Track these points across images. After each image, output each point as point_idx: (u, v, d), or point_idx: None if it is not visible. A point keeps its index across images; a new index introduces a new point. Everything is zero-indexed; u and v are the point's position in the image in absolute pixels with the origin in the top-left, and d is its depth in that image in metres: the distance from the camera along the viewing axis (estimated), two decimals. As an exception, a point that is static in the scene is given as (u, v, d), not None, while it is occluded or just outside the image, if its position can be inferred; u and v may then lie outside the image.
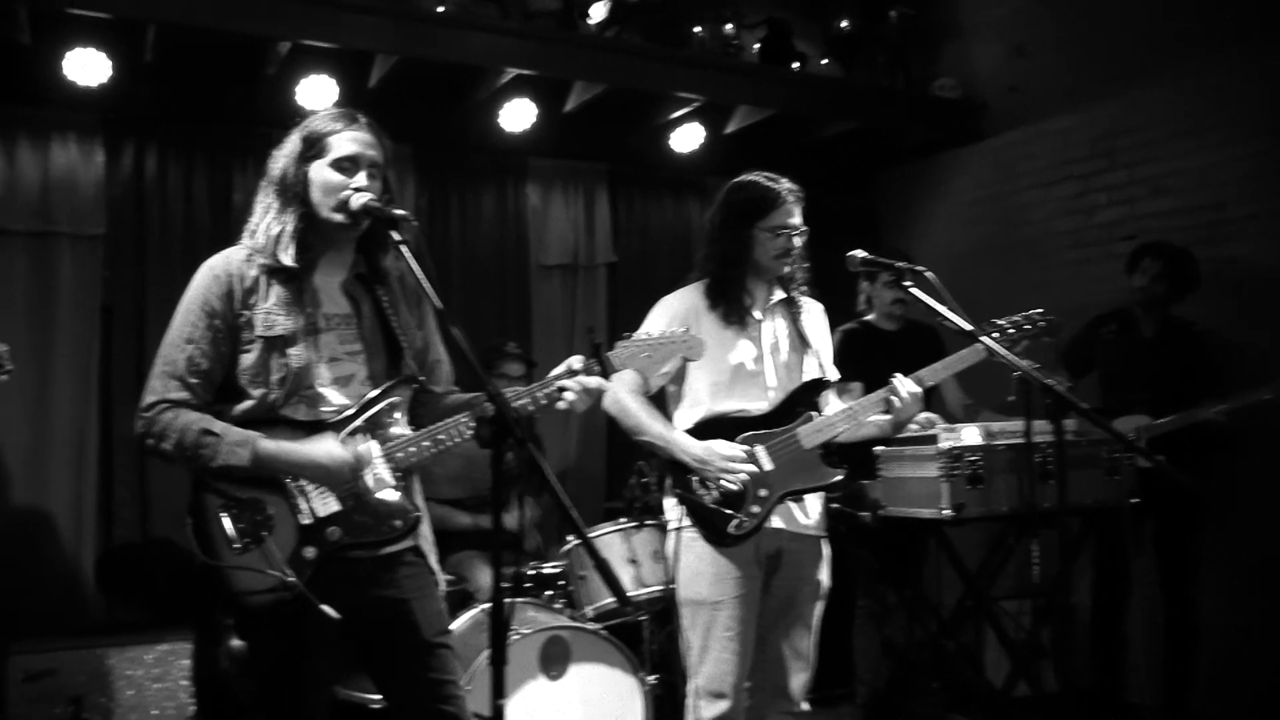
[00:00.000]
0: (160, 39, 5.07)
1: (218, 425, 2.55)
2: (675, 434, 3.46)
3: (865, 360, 4.45)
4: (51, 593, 5.24)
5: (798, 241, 3.54)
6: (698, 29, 6.15)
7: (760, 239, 3.51)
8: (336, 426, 2.63)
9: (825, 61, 6.76)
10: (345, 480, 2.55)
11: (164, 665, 4.71)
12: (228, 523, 2.53)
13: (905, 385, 3.45)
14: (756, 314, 3.59)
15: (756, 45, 6.45)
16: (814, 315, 3.75)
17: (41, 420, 5.30)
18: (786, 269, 3.57)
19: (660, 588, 4.56)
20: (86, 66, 5.04)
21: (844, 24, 6.74)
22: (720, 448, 3.37)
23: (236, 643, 4.42)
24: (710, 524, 3.39)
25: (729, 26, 6.25)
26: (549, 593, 4.68)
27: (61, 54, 5.00)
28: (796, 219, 3.53)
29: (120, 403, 5.41)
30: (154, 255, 5.54)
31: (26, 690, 4.50)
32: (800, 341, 3.66)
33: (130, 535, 5.44)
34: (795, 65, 6.46)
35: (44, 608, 5.17)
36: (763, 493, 3.39)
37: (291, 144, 2.70)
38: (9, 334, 5.11)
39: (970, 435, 4.32)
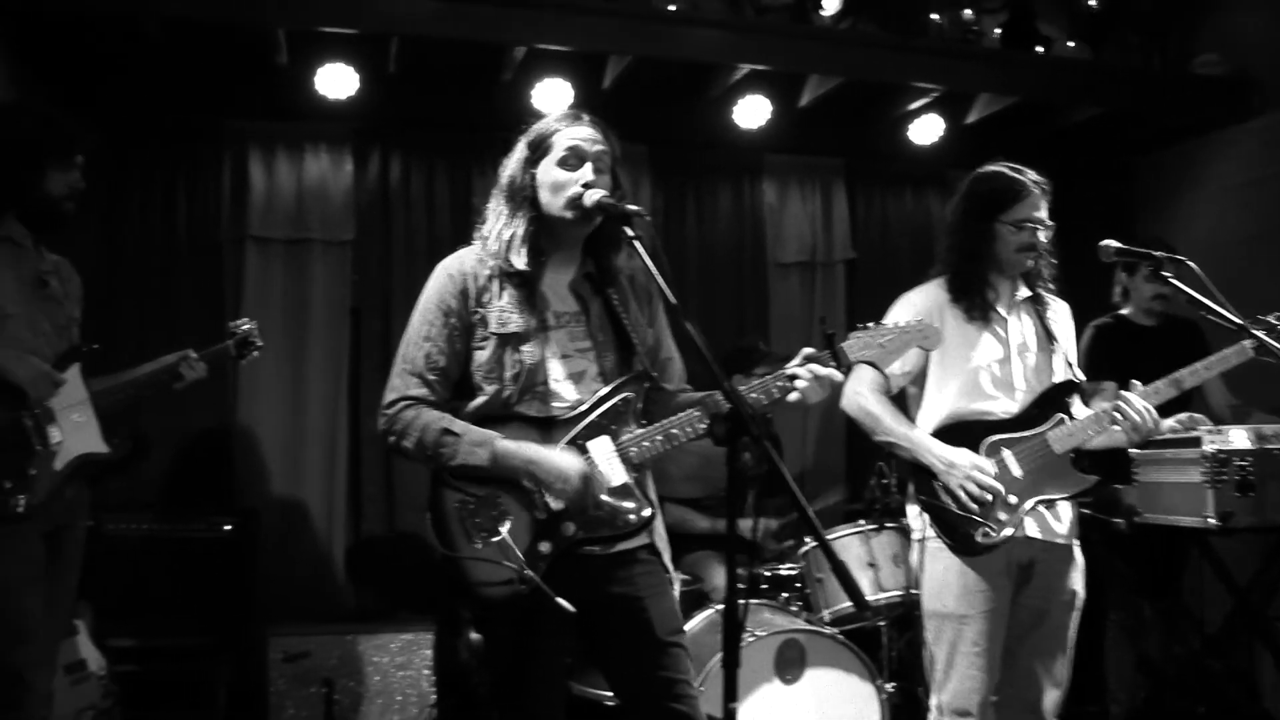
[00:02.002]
0: (402, 50, 5.27)
1: (458, 425, 2.60)
2: (920, 435, 3.33)
3: (1120, 358, 4.21)
4: (306, 580, 5.53)
5: (1042, 236, 3.36)
6: (935, 16, 5.95)
7: (1002, 233, 3.35)
8: (569, 423, 2.64)
9: (1072, 44, 6.41)
10: (576, 489, 2.55)
11: (408, 654, 4.89)
12: (465, 517, 2.58)
13: (1134, 403, 3.22)
14: (1002, 311, 3.43)
15: (997, 30, 6.17)
16: (1061, 314, 3.56)
17: (297, 417, 5.60)
18: (1030, 264, 3.40)
19: (900, 593, 4.44)
20: (336, 80, 5.31)
21: (1092, 2, 6.38)
22: (967, 457, 3.23)
23: (475, 635, 4.53)
24: (956, 532, 3.25)
25: (968, 12, 6.03)
26: (785, 595, 4.61)
27: (314, 70, 5.28)
28: (1041, 212, 3.36)
29: (368, 401, 5.66)
30: (399, 259, 5.78)
31: (284, 669, 4.77)
32: (1048, 340, 3.47)
33: (377, 528, 5.70)
34: (1039, 49, 6.16)
35: (299, 594, 5.47)
36: (1012, 499, 3.22)
37: (518, 150, 2.75)
38: (267, 335, 5.43)
39: (1239, 438, 4.01)
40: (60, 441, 3.17)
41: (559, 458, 2.57)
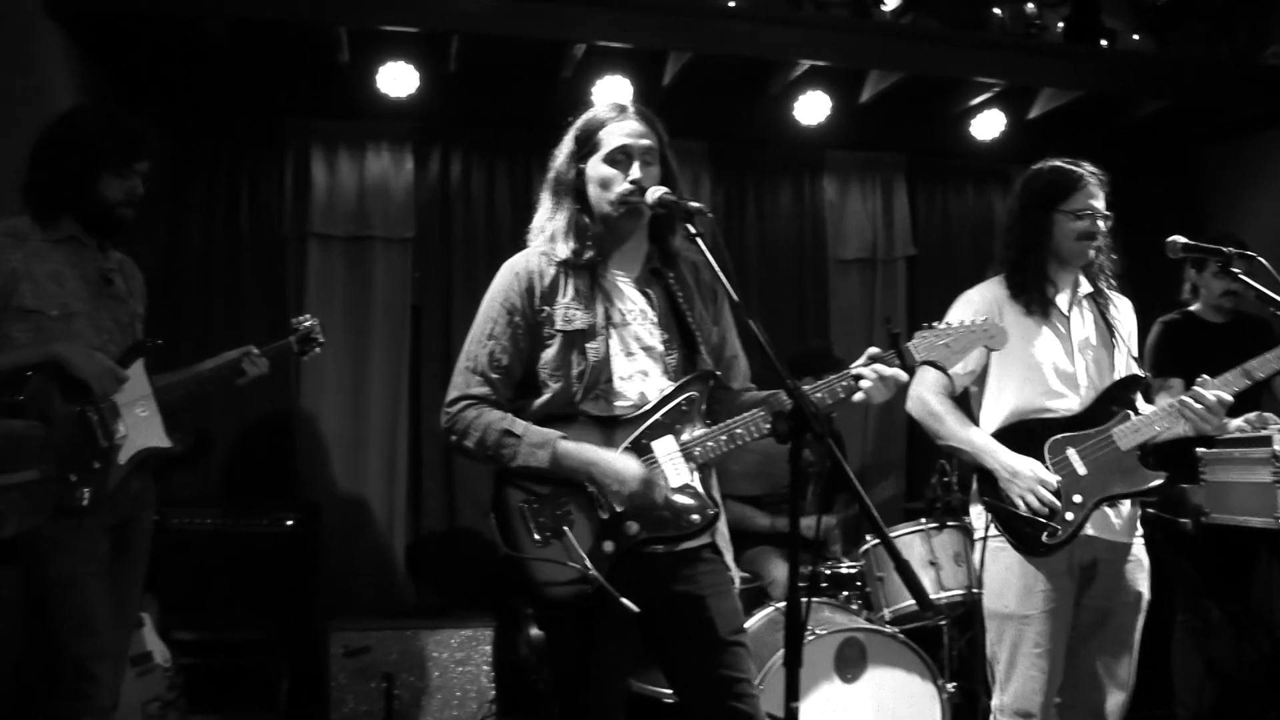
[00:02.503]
0: (463, 48, 5.30)
1: (519, 426, 2.60)
2: (984, 440, 3.29)
3: (1187, 354, 4.13)
4: (366, 575, 5.59)
5: (1101, 225, 3.32)
6: (997, 10, 5.87)
7: (1060, 223, 3.32)
8: (633, 422, 2.63)
9: (1137, 36, 6.30)
10: (634, 491, 2.53)
11: (467, 649, 4.92)
12: (529, 516, 2.58)
13: (1205, 396, 3.15)
14: (1062, 306, 3.39)
15: (1060, 23, 6.09)
16: (1123, 310, 3.52)
17: (358, 413, 5.66)
18: (1091, 254, 3.35)
19: (961, 592, 4.40)
20: (397, 79, 5.35)
21: (1157, -6, 6.28)
22: (1032, 467, 3.19)
23: (535, 632, 4.55)
24: (1020, 533, 3.21)
25: (1030, 5, 5.94)
26: (845, 593, 4.58)
27: (375, 69, 5.33)
28: (1099, 202, 3.33)
29: (428, 398, 5.72)
30: (460, 256, 5.82)
31: (345, 664, 4.82)
32: (1110, 336, 3.42)
33: (437, 525, 5.74)
34: (1103, 42, 6.06)
35: (360, 589, 5.53)
36: (1077, 499, 3.18)
37: (566, 144, 2.75)
38: (328, 332, 5.48)
39: (1311, 437, 3.90)
40: (124, 436, 3.21)
41: (618, 460, 2.56)
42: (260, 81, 5.56)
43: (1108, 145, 6.12)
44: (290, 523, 4.98)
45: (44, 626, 3.07)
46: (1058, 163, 3.40)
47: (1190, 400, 3.17)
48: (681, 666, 2.68)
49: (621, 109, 2.71)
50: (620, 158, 2.64)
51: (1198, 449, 4.12)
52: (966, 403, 3.47)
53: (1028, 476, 3.17)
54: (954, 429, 3.31)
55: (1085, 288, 3.43)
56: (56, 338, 3.11)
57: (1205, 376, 3.23)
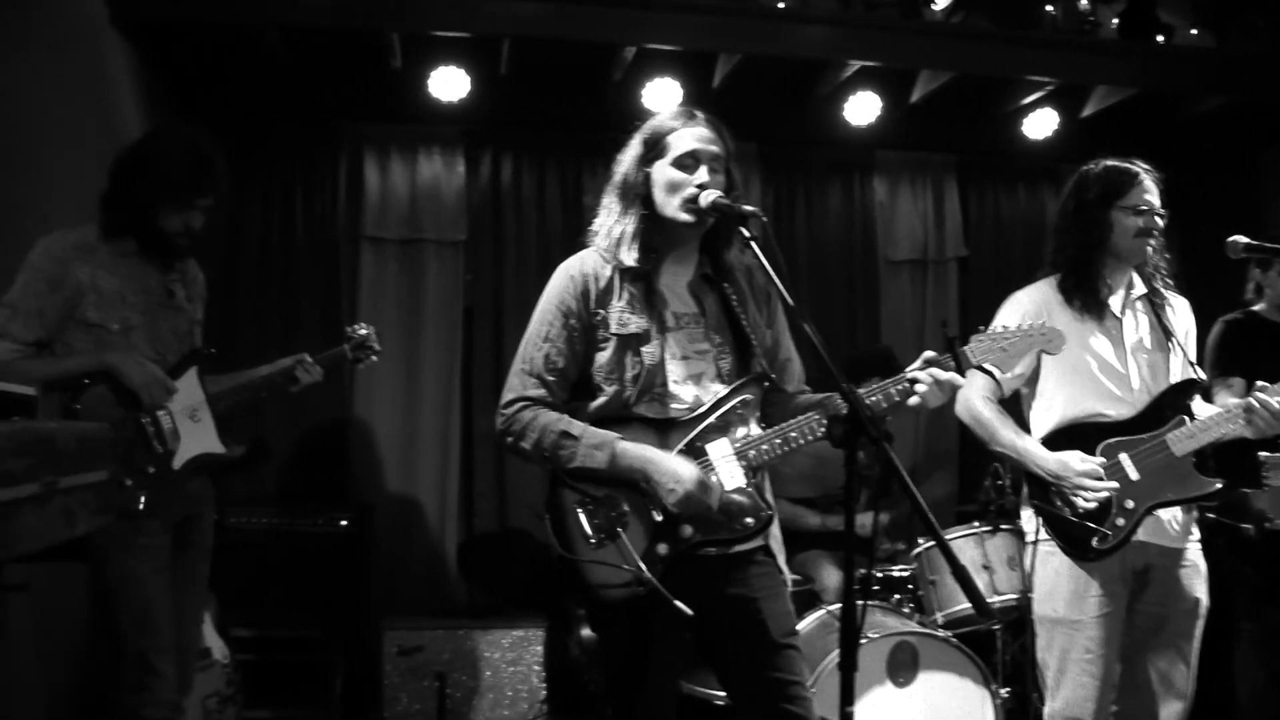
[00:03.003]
0: (513, 52, 5.33)
1: (576, 427, 2.61)
2: (1029, 444, 3.27)
3: (1249, 354, 4.06)
4: (419, 575, 5.65)
5: (1159, 222, 3.28)
6: (1049, 7, 5.81)
7: (1119, 219, 3.29)
8: (689, 424, 2.64)
9: (1194, 31, 6.21)
10: (688, 491, 2.53)
11: (519, 650, 4.96)
12: (584, 518, 2.60)
13: (1270, 402, 3.10)
14: (1115, 309, 3.34)
15: (1115, 20, 6.01)
16: (1180, 310, 3.47)
17: (410, 415, 5.71)
18: (1149, 250, 3.31)
19: (1015, 596, 4.37)
20: (448, 83, 5.40)
21: (1218, -13, 6.18)
22: (1075, 462, 3.15)
23: (587, 632, 4.57)
24: (1071, 538, 3.18)
25: (1084, 2, 5.87)
26: (897, 596, 4.56)
27: (427, 74, 5.39)
28: (1155, 199, 3.29)
29: (480, 399, 5.77)
30: (511, 258, 5.86)
31: (399, 663, 4.88)
32: (1165, 339, 3.37)
33: (489, 525, 5.78)
34: (1159, 38, 5.98)
35: (413, 588, 5.59)
36: (1129, 504, 3.14)
37: (633, 147, 2.75)
38: (383, 333, 5.52)
39: (1379, 441, 3.83)
40: (179, 441, 3.28)
41: (675, 461, 2.57)
42: (315, 87, 5.63)
43: (1165, 142, 6.04)
44: (345, 523, 5.04)
45: (107, 621, 3.15)
46: (1111, 161, 3.37)
47: (1257, 404, 3.13)
48: (734, 669, 2.69)
49: (691, 115, 2.72)
50: (688, 162, 2.65)
51: (1260, 453, 4.06)
52: (1016, 405, 3.44)
53: (1072, 476, 3.14)
54: (1001, 435, 3.29)
55: (1139, 289, 3.39)
56: (113, 348, 3.18)
57: (1262, 383, 3.17)
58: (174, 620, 3.26)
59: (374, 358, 3.99)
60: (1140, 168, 3.32)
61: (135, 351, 3.21)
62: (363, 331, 3.96)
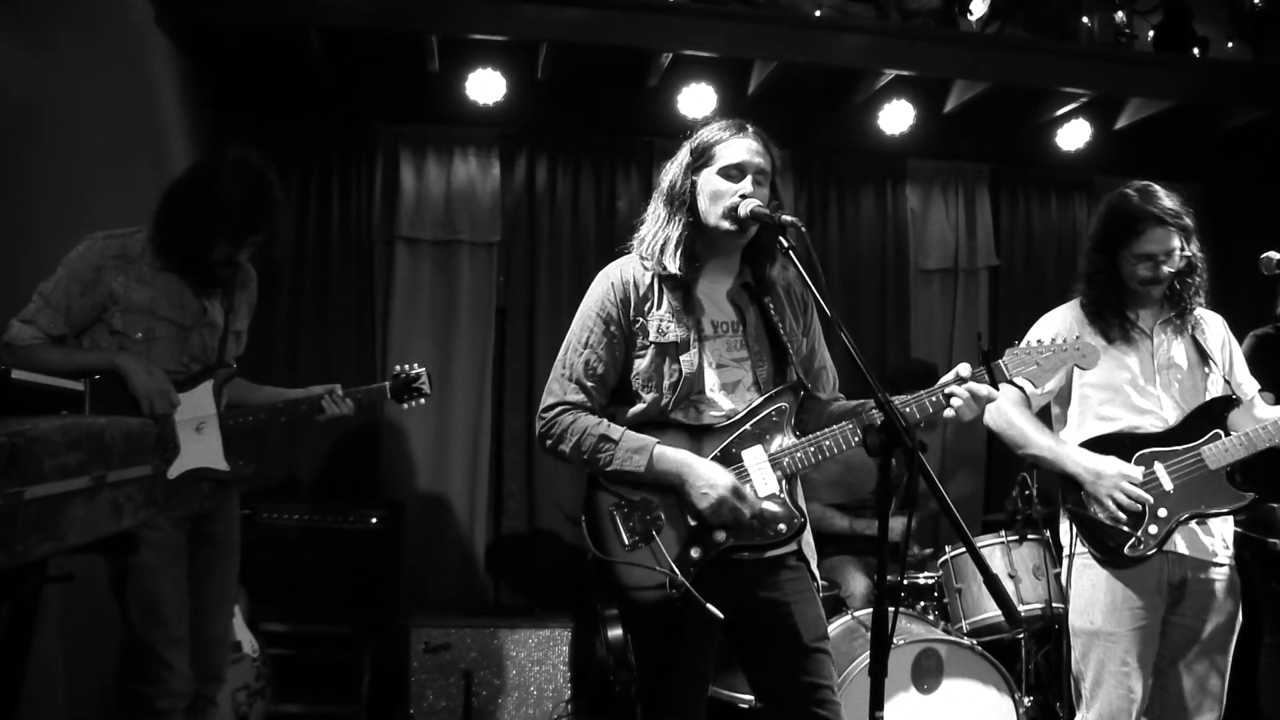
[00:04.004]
0: (551, 56, 5.36)
1: (615, 431, 2.65)
2: (1065, 446, 3.29)
3: (1278, 369, 4.04)
4: (447, 573, 5.68)
5: (1166, 270, 3.28)
6: (1085, 19, 5.81)
7: (1126, 263, 3.32)
8: (724, 431, 2.67)
9: (1231, 44, 6.19)
10: (721, 497, 2.56)
11: (545, 649, 4.98)
12: (619, 521, 2.63)
13: None
14: (1145, 328, 3.37)
15: (1151, 32, 6.00)
16: (1214, 327, 3.48)
17: (444, 414, 5.74)
18: (1155, 294, 3.34)
19: (1040, 606, 4.37)
20: (485, 86, 5.44)
21: (1255, 1, 6.14)
22: (1113, 464, 3.18)
23: (613, 634, 4.59)
24: (1104, 543, 3.20)
25: (1120, 14, 5.86)
26: (922, 604, 4.57)
27: (464, 76, 5.43)
28: (1162, 245, 3.27)
29: (511, 400, 5.82)
30: (544, 260, 5.88)
31: (425, 660, 4.92)
32: (1200, 357, 3.39)
33: (518, 525, 5.81)
34: (1195, 51, 5.96)
35: (441, 587, 5.63)
36: (1162, 513, 3.16)
37: (681, 155, 2.77)
38: (416, 333, 5.60)
39: None
40: (176, 453, 3.29)
41: (711, 467, 2.60)
42: (352, 88, 5.68)
43: (1200, 155, 6.03)
44: (375, 520, 5.08)
45: (122, 613, 3.20)
46: (1132, 196, 3.34)
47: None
48: (765, 672, 2.71)
49: (741, 127, 2.74)
50: (734, 173, 2.67)
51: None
52: (1046, 421, 3.46)
53: (1111, 475, 3.17)
54: (1035, 437, 3.31)
55: (1169, 309, 3.40)
56: (129, 352, 3.22)
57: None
58: (186, 613, 3.29)
59: (421, 400, 3.93)
60: (1156, 209, 3.28)
61: (157, 362, 3.25)
62: (414, 371, 3.89)
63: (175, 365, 3.32)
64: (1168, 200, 3.31)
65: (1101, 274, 3.35)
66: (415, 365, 3.92)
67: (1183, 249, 3.30)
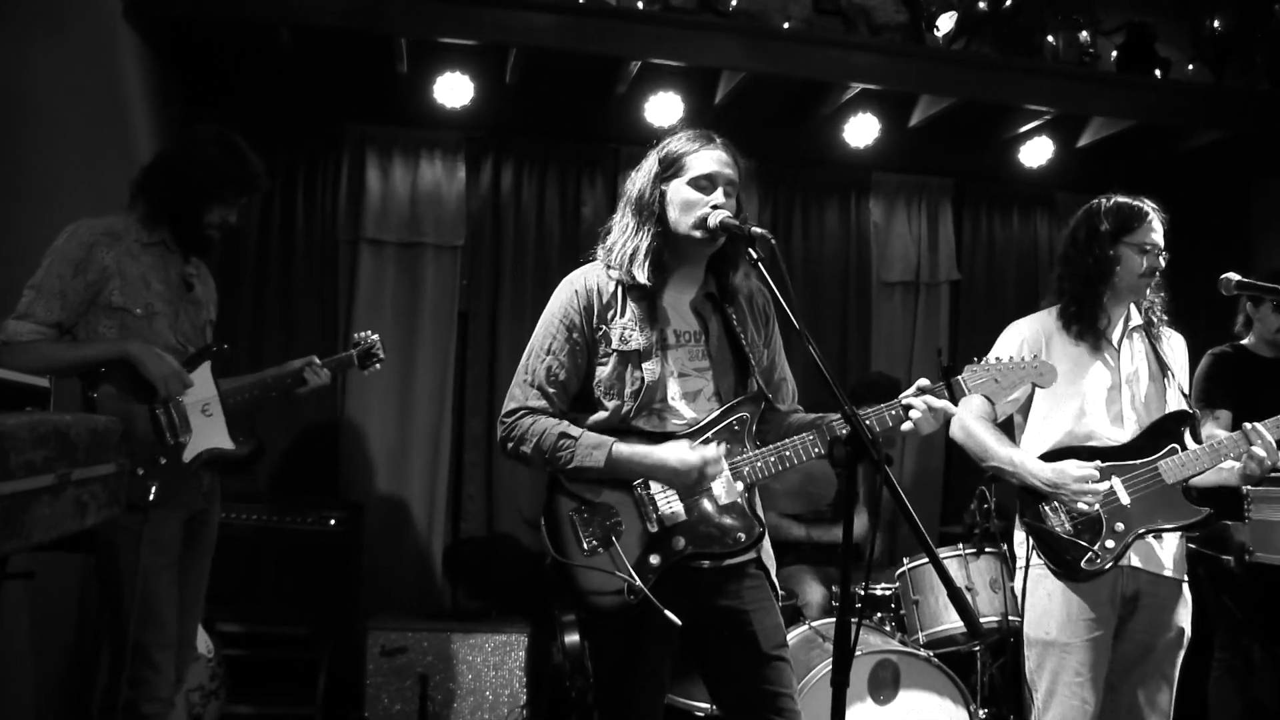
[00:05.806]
0: (520, 61, 5.36)
1: (574, 429, 2.66)
2: (1024, 458, 3.32)
3: (1238, 388, 4.12)
4: (406, 576, 5.65)
5: (1161, 262, 3.35)
6: (1050, 38, 5.88)
7: (1126, 255, 3.35)
8: (685, 439, 2.68)
9: (1192, 67, 6.28)
10: (692, 483, 2.60)
11: (501, 654, 4.98)
12: (579, 525, 2.64)
13: (1264, 433, 3.19)
14: (1113, 338, 3.41)
15: (1114, 52, 6.08)
16: (1175, 345, 3.54)
17: (403, 416, 5.72)
18: (1149, 288, 3.38)
19: (996, 619, 4.40)
20: (453, 89, 5.43)
21: (1216, 25, 6.23)
22: (1071, 468, 3.21)
23: (570, 639, 4.59)
24: (1061, 556, 3.23)
25: (1084, 35, 5.94)
26: (879, 615, 4.59)
27: (432, 79, 5.42)
28: (1160, 238, 3.36)
29: (472, 403, 5.80)
30: (508, 265, 5.87)
31: (381, 663, 4.90)
32: (1161, 370, 3.44)
33: (476, 529, 5.79)
34: (1157, 72, 6.04)
35: (399, 589, 5.59)
36: (1119, 527, 3.20)
37: (649, 164, 2.78)
38: (379, 334, 5.56)
39: (1362, 478, 3.88)
40: (190, 435, 3.32)
41: (673, 455, 2.61)
42: (320, 87, 5.66)
43: (1159, 175, 6.10)
44: (334, 522, 5.04)
45: (112, 614, 3.18)
46: (1121, 197, 3.42)
47: (1244, 443, 3.19)
48: (725, 680, 2.72)
49: (710, 138, 2.76)
50: (705, 183, 2.69)
51: (1244, 486, 4.11)
52: (1010, 430, 3.50)
53: (1070, 482, 3.19)
54: (995, 448, 3.34)
55: (1135, 320, 3.46)
56: (138, 334, 3.25)
57: (1248, 425, 3.24)
58: (177, 615, 3.29)
59: (378, 365, 4.08)
60: (1150, 206, 3.37)
61: (158, 338, 3.30)
62: (371, 338, 4.04)
63: (174, 340, 3.37)
64: (1150, 200, 3.41)
65: (1097, 268, 3.36)
66: (370, 332, 4.09)
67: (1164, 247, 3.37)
